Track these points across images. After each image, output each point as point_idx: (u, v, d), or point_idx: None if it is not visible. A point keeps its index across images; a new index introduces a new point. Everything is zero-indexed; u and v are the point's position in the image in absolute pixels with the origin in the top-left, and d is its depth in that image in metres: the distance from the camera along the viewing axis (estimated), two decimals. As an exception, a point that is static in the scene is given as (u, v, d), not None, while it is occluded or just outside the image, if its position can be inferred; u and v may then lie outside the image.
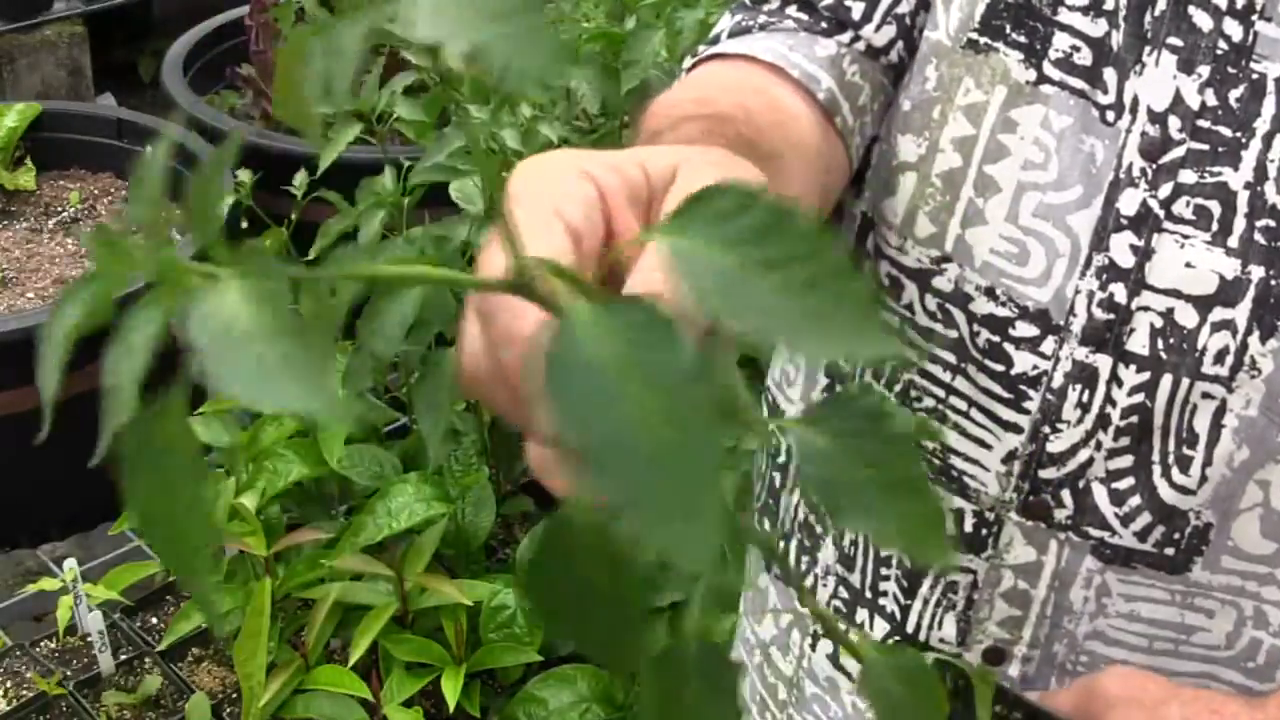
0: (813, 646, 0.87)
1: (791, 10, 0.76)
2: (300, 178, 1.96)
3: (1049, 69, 0.70)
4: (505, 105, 1.79)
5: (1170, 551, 0.71)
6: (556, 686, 1.61)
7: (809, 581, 0.87)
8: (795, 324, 0.33)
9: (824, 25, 0.75)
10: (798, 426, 0.41)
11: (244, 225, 2.04)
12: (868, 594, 0.82)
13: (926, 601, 0.79)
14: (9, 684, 1.71)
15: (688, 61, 0.77)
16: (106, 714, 1.66)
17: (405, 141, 2.17)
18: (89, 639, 1.70)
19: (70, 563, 1.66)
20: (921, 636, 0.79)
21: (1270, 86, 0.65)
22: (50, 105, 2.51)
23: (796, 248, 0.34)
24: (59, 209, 2.39)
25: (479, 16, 0.28)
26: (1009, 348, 0.72)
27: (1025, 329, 0.71)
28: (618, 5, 1.99)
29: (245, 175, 1.97)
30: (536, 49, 0.28)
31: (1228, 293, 0.66)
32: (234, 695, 1.67)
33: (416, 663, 1.63)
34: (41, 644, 1.78)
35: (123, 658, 1.73)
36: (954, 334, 0.74)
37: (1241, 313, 0.66)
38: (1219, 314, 0.67)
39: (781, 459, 0.89)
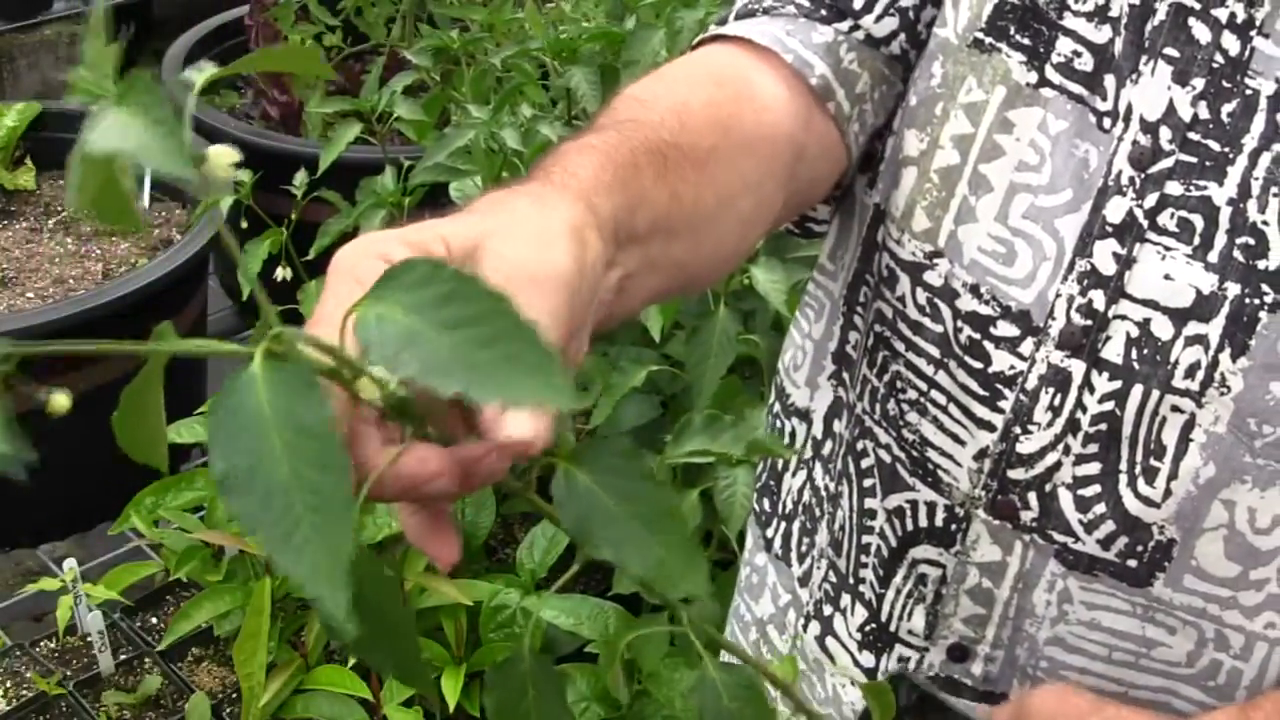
0: (804, 627, 0.87)
1: None
2: (300, 177, 1.96)
3: (1050, 72, 0.70)
4: (505, 105, 1.79)
5: (1133, 564, 0.71)
6: (556, 686, 1.61)
7: (807, 564, 0.87)
8: (471, 374, 0.40)
9: (823, 12, 0.76)
10: (561, 463, 0.47)
11: (244, 225, 2.04)
12: (850, 579, 0.83)
13: (899, 592, 0.79)
14: (9, 684, 1.71)
15: (698, 39, 0.78)
16: (106, 714, 1.66)
17: (405, 141, 2.17)
18: (89, 639, 1.70)
19: (70, 563, 1.66)
20: (893, 627, 0.80)
21: (1262, 103, 0.65)
22: (50, 105, 2.51)
23: (475, 310, 0.41)
24: (59, 209, 2.39)
25: (129, 131, 0.38)
26: (989, 346, 0.72)
27: (1006, 328, 0.71)
28: (618, 5, 1.99)
29: (245, 175, 1.96)
30: (166, 147, 0.38)
31: (1203, 308, 0.66)
32: (234, 695, 1.67)
33: (416, 662, 1.63)
34: (41, 644, 1.77)
35: (123, 658, 1.73)
36: (940, 329, 0.74)
37: (1215, 329, 0.66)
38: (1193, 328, 0.67)
39: (784, 441, 0.90)
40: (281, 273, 1.99)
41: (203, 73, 0.46)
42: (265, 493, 0.38)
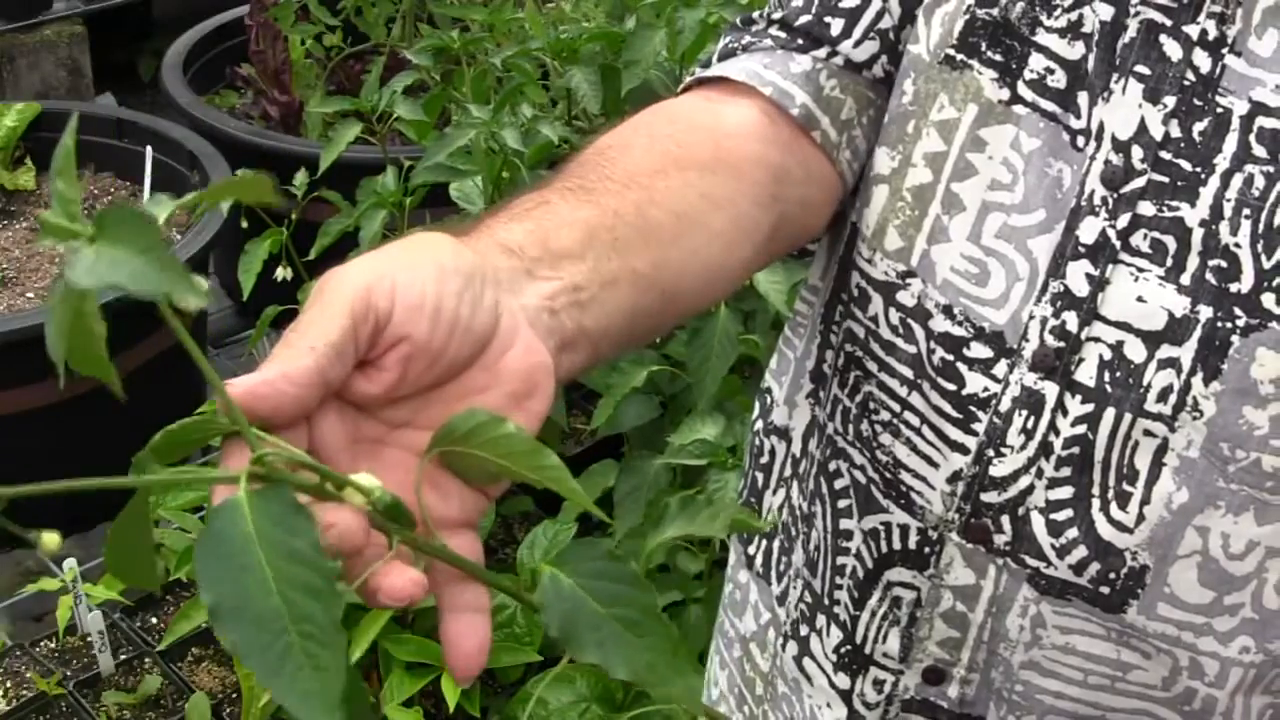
0: (783, 646, 0.87)
1: (773, 30, 0.77)
2: (300, 177, 1.96)
3: (1022, 89, 0.69)
4: (506, 105, 1.79)
5: (1105, 590, 0.70)
6: (556, 686, 1.61)
7: (784, 583, 0.87)
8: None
9: (800, 42, 0.76)
10: (546, 567, 0.49)
11: (244, 224, 2.04)
12: (825, 600, 0.82)
13: (874, 614, 0.79)
14: (9, 684, 1.71)
15: (682, 85, 0.79)
16: (106, 714, 1.66)
17: (405, 141, 2.17)
18: (89, 639, 1.70)
19: (70, 563, 1.66)
20: (868, 649, 0.80)
21: (1234, 122, 0.64)
22: (50, 105, 2.51)
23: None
24: (59, 209, 2.39)
25: (116, 265, 0.38)
26: (962, 368, 0.71)
27: (979, 350, 0.71)
28: (618, 5, 1.99)
29: (245, 175, 1.96)
30: (165, 274, 0.38)
31: (1175, 330, 0.66)
32: (234, 695, 1.67)
33: (416, 663, 1.63)
34: (41, 644, 1.77)
35: (123, 658, 1.73)
36: (913, 350, 0.74)
37: (1187, 352, 0.66)
38: (1165, 351, 0.66)
39: (764, 459, 0.90)
40: (282, 273, 1.99)
41: (162, 206, 0.46)
42: (256, 621, 0.39)
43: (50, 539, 0.40)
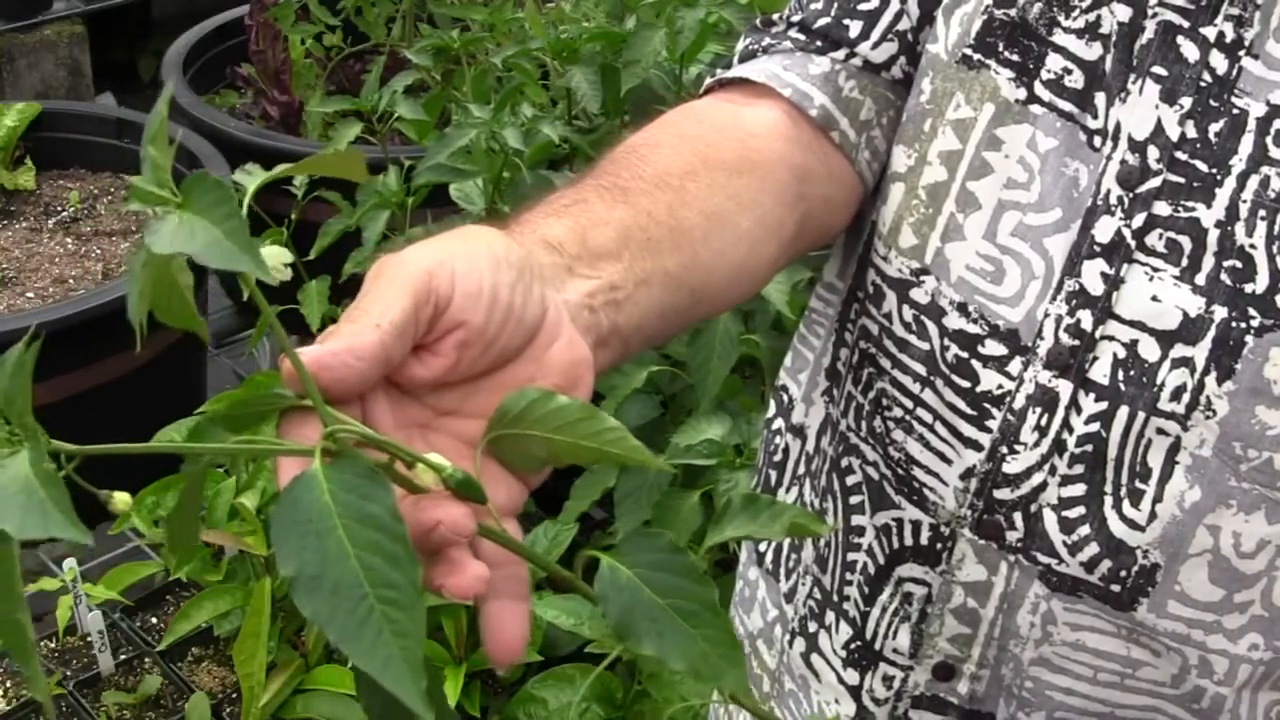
0: (789, 643, 0.87)
1: (792, 32, 0.78)
2: (300, 177, 1.96)
3: (1039, 89, 0.70)
4: (506, 105, 1.79)
5: (1116, 588, 0.71)
6: (556, 686, 1.61)
7: (792, 580, 0.87)
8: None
9: (818, 44, 0.76)
10: (605, 557, 0.49)
11: (244, 225, 2.04)
12: (834, 597, 0.83)
13: (884, 610, 0.79)
14: (9, 684, 1.71)
15: (704, 86, 0.80)
16: (106, 714, 1.66)
17: (405, 141, 2.17)
18: (89, 639, 1.70)
19: (70, 562, 1.66)
20: (878, 645, 0.80)
21: (1250, 124, 0.65)
22: (50, 105, 2.51)
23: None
24: (59, 209, 2.39)
25: (194, 234, 0.39)
26: (976, 365, 0.72)
27: (994, 347, 0.71)
28: (618, 5, 1.99)
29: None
30: (239, 250, 0.40)
31: (1189, 330, 0.66)
32: (234, 695, 1.67)
33: (417, 663, 1.63)
34: (41, 644, 1.77)
35: (122, 658, 1.73)
36: (926, 347, 0.74)
37: (1201, 352, 0.66)
38: (1179, 351, 0.66)
39: (778, 457, 0.90)
40: (282, 273, 1.98)
41: (253, 177, 0.48)
42: (335, 588, 0.39)
43: (121, 498, 0.41)
